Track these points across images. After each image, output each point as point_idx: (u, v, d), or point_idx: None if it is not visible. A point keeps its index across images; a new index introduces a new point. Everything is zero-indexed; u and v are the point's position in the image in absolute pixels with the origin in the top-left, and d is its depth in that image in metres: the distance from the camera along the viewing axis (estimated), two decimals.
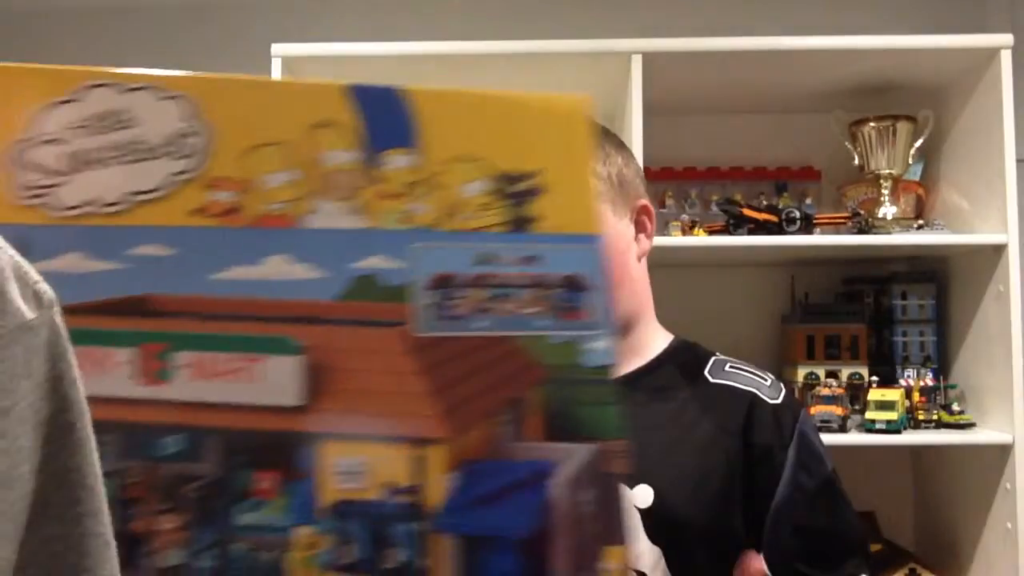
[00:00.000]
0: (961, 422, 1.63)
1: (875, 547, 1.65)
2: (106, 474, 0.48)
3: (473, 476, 0.56)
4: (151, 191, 0.56)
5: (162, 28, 2.21)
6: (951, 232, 1.70)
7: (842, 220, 1.68)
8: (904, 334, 1.79)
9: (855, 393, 1.68)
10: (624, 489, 0.59)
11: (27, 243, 0.50)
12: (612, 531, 0.58)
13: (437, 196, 0.59)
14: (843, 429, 1.58)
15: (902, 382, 1.73)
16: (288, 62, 1.62)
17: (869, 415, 1.59)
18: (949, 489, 1.80)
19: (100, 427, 0.47)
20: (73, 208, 0.55)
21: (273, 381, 0.55)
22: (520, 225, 0.59)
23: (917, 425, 1.64)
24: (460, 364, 0.58)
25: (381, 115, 0.59)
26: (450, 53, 1.64)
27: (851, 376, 1.70)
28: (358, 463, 0.56)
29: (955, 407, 1.68)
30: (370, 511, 0.55)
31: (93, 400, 0.46)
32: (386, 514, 0.55)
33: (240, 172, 0.57)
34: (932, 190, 1.84)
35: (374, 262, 0.57)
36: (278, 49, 1.62)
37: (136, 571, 0.54)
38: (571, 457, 0.58)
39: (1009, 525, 1.53)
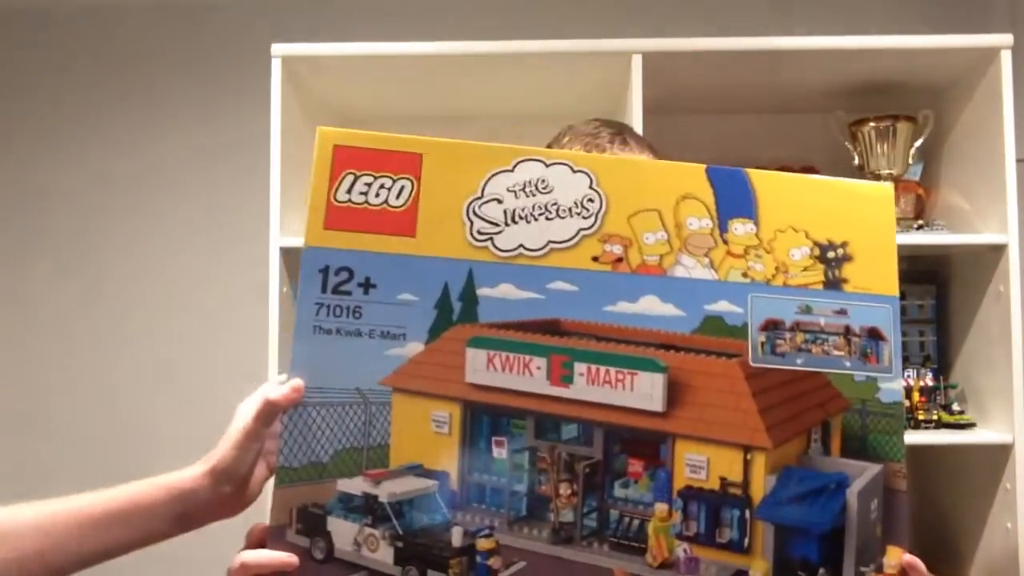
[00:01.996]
0: (961, 422, 1.63)
1: None
2: (523, 449, 0.74)
3: (788, 479, 0.71)
4: (563, 241, 0.74)
5: (163, 28, 2.21)
6: (951, 232, 1.70)
7: None
8: (904, 334, 1.79)
9: None
10: (905, 502, 0.72)
11: (476, 274, 0.73)
12: (893, 534, 0.71)
13: (770, 258, 0.74)
14: None
15: (902, 382, 1.72)
16: (288, 62, 1.62)
17: None
18: (949, 489, 1.80)
19: (521, 413, 0.73)
20: (508, 251, 0.74)
21: (643, 391, 0.72)
22: (833, 284, 0.73)
23: (917, 425, 1.64)
24: (783, 391, 0.72)
25: (729, 191, 0.75)
26: (450, 53, 1.64)
27: None
28: (702, 459, 0.71)
29: (955, 407, 1.68)
30: (709, 497, 0.71)
31: (519, 394, 0.72)
32: (720, 501, 0.71)
33: (626, 231, 0.74)
34: (932, 190, 1.84)
35: (721, 306, 0.73)
36: (278, 49, 1.62)
37: (542, 523, 0.73)
38: (863, 472, 0.72)
39: (1009, 525, 1.53)
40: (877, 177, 1.77)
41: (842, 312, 0.73)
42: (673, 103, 1.82)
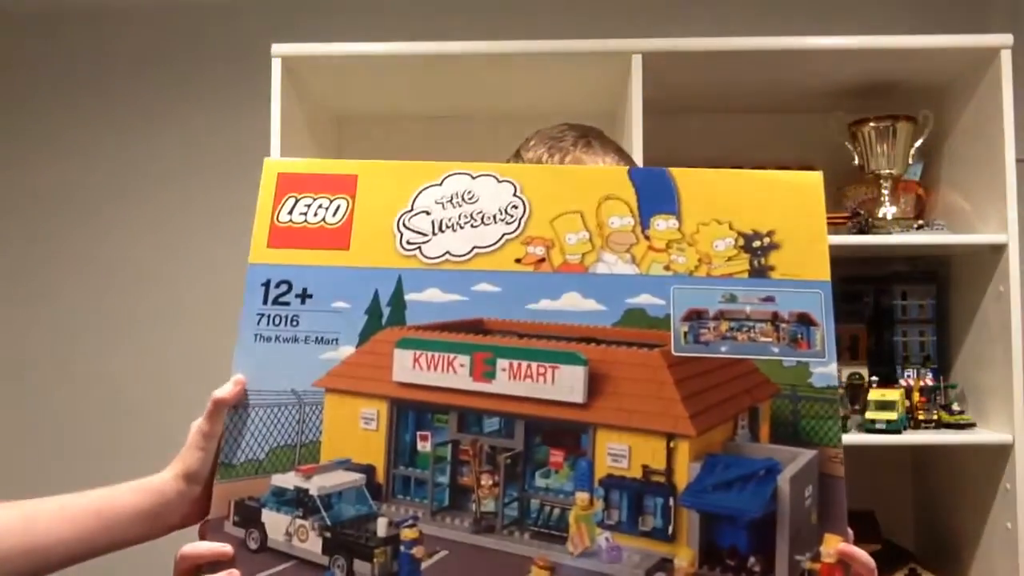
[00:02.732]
0: (961, 422, 1.63)
1: (875, 547, 1.65)
2: (446, 443, 0.77)
3: (713, 466, 0.71)
4: (487, 246, 0.78)
5: (162, 28, 2.21)
6: (951, 232, 1.70)
7: (842, 220, 1.68)
8: (904, 334, 1.79)
9: (855, 393, 1.68)
10: (842, 488, 0.71)
11: (405, 281, 0.77)
12: (831, 522, 0.71)
13: (692, 250, 0.76)
14: (843, 429, 1.57)
15: (902, 382, 1.73)
16: (288, 62, 1.63)
17: (869, 415, 1.59)
18: (949, 489, 1.80)
19: (445, 408, 0.77)
20: (435, 258, 0.78)
21: (565, 384, 0.74)
22: (759, 272, 0.75)
23: (917, 425, 1.64)
24: (707, 378, 0.73)
25: (651, 189, 0.77)
26: (450, 53, 1.64)
27: (851, 376, 1.70)
28: (623, 448, 0.72)
29: (955, 407, 1.68)
30: (631, 485, 0.72)
31: (443, 390, 0.76)
32: (643, 489, 0.71)
33: (548, 232, 0.77)
34: (932, 190, 1.84)
35: (643, 299, 0.74)
36: (278, 49, 1.62)
37: (464, 513, 0.76)
38: (795, 459, 0.71)
39: (1009, 525, 1.53)
40: (878, 177, 1.77)
41: (769, 299, 0.74)
42: (673, 103, 1.83)
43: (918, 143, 1.77)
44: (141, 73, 2.21)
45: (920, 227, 1.72)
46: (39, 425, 2.18)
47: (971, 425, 1.64)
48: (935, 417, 1.64)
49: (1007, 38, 1.58)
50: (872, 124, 1.76)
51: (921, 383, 1.71)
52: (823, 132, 1.83)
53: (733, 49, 1.63)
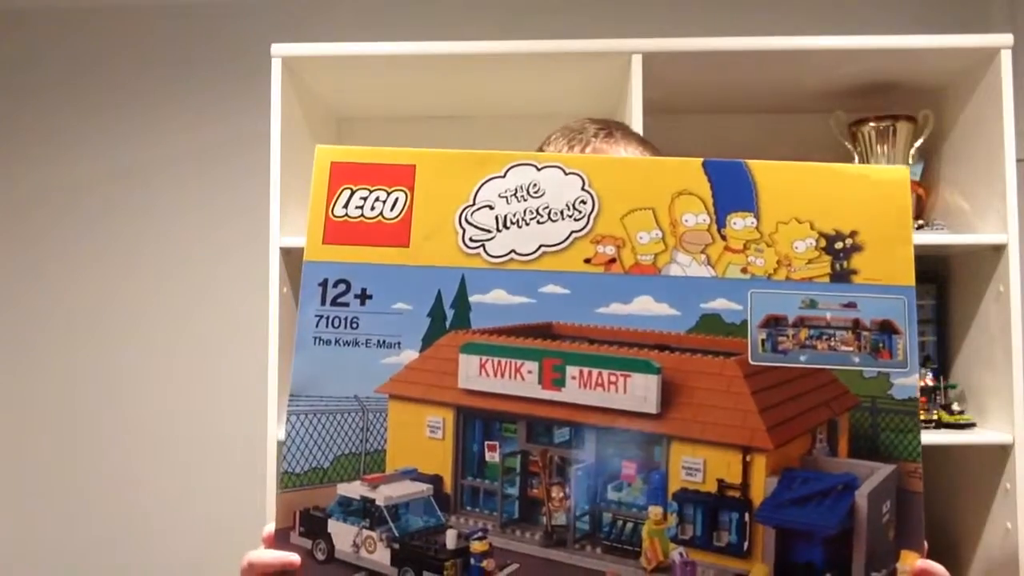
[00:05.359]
0: (961, 422, 1.63)
1: None
2: (516, 453, 0.75)
3: (790, 481, 0.69)
4: (555, 245, 0.74)
5: (162, 28, 2.21)
6: (951, 232, 1.70)
7: None
8: None
9: None
10: (920, 503, 0.69)
11: (468, 281, 0.73)
12: (908, 538, 0.69)
13: (771, 251, 0.72)
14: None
15: None
16: (288, 62, 1.62)
17: None
18: (949, 489, 1.80)
19: (513, 418, 0.74)
20: (500, 257, 0.74)
21: (637, 393, 0.71)
22: (841, 276, 0.71)
23: None
24: (785, 389, 0.70)
25: (728, 184, 0.73)
26: (450, 53, 1.64)
27: None
28: (698, 462, 0.70)
29: (955, 407, 1.68)
30: (706, 500, 0.69)
31: (511, 398, 0.73)
32: (718, 504, 0.69)
33: (619, 231, 0.73)
34: (932, 190, 1.84)
35: (719, 304, 0.71)
36: (278, 49, 1.62)
37: (535, 525, 0.73)
38: (874, 473, 0.69)
39: (1009, 525, 1.53)
40: None
41: (850, 305, 0.70)
42: (673, 103, 1.83)
43: (918, 143, 1.77)
44: (140, 73, 2.21)
45: (920, 227, 1.72)
46: (40, 424, 2.18)
47: (971, 425, 1.64)
48: (935, 417, 1.65)
49: (1007, 38, 1.58)
50: (872, 124, 1.76)
51: (921, 383, 1.71)
52: (823, 132, 1.83)
53: (733, 49, 1.62)
